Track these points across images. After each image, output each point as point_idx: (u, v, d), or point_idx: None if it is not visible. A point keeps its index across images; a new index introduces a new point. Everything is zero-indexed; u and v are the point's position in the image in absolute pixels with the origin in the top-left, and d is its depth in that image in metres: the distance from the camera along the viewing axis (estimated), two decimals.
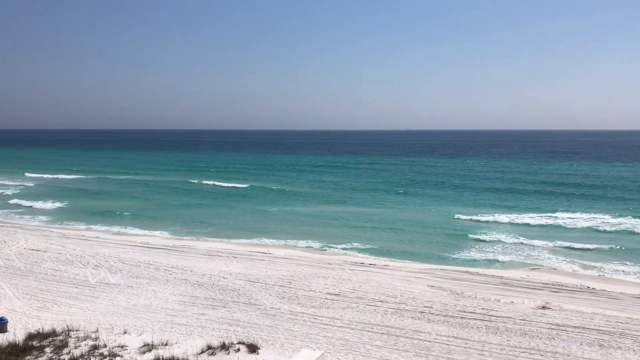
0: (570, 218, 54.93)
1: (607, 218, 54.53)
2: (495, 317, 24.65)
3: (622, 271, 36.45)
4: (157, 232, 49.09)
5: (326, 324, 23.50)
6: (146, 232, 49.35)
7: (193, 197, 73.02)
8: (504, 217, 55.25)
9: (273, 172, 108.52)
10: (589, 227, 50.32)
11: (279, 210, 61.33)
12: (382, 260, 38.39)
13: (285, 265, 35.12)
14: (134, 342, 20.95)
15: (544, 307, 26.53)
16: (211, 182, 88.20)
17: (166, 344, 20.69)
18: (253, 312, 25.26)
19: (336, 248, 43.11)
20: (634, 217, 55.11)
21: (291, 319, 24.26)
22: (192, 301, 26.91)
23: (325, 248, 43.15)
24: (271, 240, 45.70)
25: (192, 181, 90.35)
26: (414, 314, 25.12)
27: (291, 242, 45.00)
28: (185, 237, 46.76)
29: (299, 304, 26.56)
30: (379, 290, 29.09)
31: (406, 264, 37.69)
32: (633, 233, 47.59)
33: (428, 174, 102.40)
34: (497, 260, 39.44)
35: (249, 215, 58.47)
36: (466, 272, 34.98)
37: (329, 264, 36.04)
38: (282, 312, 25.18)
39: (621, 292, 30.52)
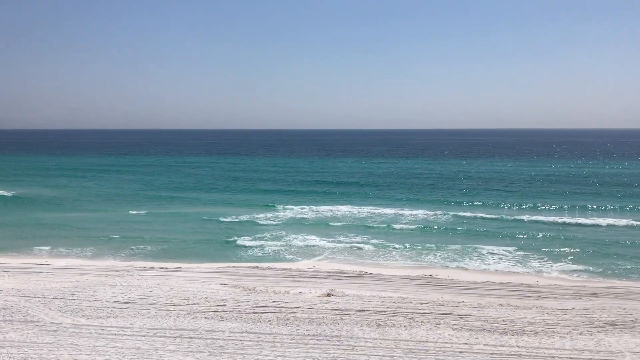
0: (346, 210, 59.69)
1: (378, 210, 60.32)
2: (285, 309, 25.74)
3: (393, 256, 40.74)
4: None
5: (115, 334, 22.34)
6: None
7: None
8: (285, 213, 58.09)
9: (44, 177, 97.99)
10: (362, 219, 55.22)
11: (56, 217, 56.42)
12: (173, 263, 37.65)
13: (66, 276, 32.52)
14: None
15: (328, 295, 28.43)
16: None
17: None
18: (30, 329, 22.97)
19: (123, 254, 41.17)
20: (399, 208, 61.86)
21: (75, 332, 22.58)
22: None
23: (112, 254, 40.94)
24: (49, 251, 41.91)
25: None
26: (207, 314, 25.10)
27: (72, 251, 41.80)
28: None
29: (83, 315, 24.83)
30: (171, 294, 28.48)
31: (198, 264, 37.52)
32: (391, 227, 53.05)
33: (218, 177, 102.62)
34: (285, 254, 41.27)
35: (19, 225, 52.70)
36: (257, 267, 36.01)
37: (116, 270, 34.28)
38: (65, 327, 23.31)
39: (393, 275, 34.11)
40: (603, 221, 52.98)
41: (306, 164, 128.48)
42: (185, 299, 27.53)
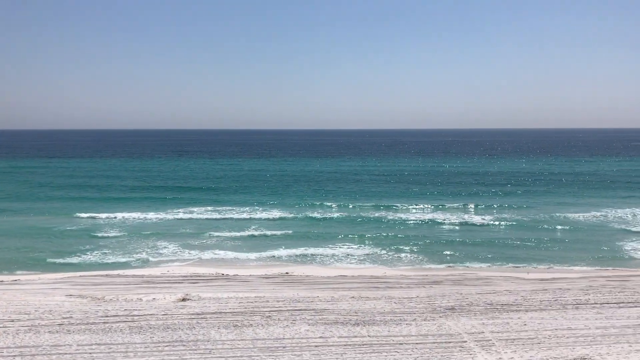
0: (198, 214, 58.77)
1: (231, 212, 60.19)
2: (138, 316, 24.77)
3: (249, 257, 40.94)
4: None
5: None
6: None
7: None
8: (133, 219, 56.07)
9: None
10: (216, 221, 54.97)
11: None
12: (10, 276, 34.57)
13: None
14: None
15: (184, 299, 27.83)
16: None
17: None
18: None
19: None
20: (253, 209, 62.26)
21: None
22: None
23: None
24: None
25: None
26: (51, 327, 23.38)
27: None
28: None
29: None
30: (8, 309, 26.10)
31: (40, 275, 34.79)
32: (245, 228, 53.41)
33: (55, 184, 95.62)
34: (137, 261, 39.72)
35: None
36: (106, 275, 34.24)
37: None
38: None
39: (250, 275, 34.27)
40: (442, 217, 57.72)
41: (156, 166, 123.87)
42: (26, 314, 25.40)
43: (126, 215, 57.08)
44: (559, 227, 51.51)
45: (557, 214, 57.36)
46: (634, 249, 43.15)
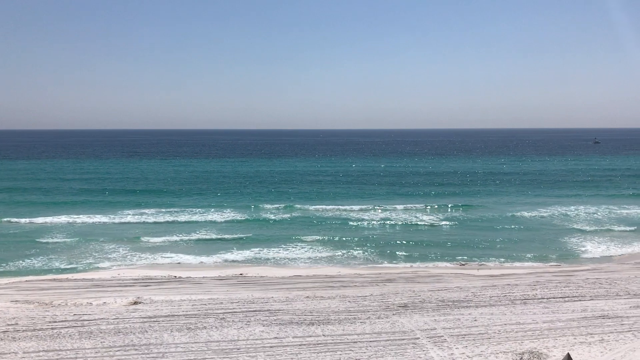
0: (147, 217, 57.70)
1: (182, 214, 59.37)
2: (88, 321, 24.15)
3: (201, 259, 40.41)
4: None
5: None
6: None
7: None
8: (81, 218, 55.06)
9: None
10: (167, 224, 54.09)
11: None
12: None
13: None
14: None
15: (135, 303, 27.29)
16: None
17: None
18: None
19: None
20: (206, 211, 61.55)
21: None
22: None
23: None
24: None
25: None
26: None
27: None
28: None
29: None
30: None
31: None
32: (198, 230, 52.82)
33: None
34: (84, 264, 38.72)
35: None
36: (54, 280, 33.27)
37: None
38: None
39: (204, 277, 33.89)
40: (395, 216, 58.62)
41: (105, 167, 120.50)
42: None
43: (73, 218, 55.50)
44: (508, 225, 52.91)
45: (507, 213, 58.90)
46: (578, 245, 44.75)
